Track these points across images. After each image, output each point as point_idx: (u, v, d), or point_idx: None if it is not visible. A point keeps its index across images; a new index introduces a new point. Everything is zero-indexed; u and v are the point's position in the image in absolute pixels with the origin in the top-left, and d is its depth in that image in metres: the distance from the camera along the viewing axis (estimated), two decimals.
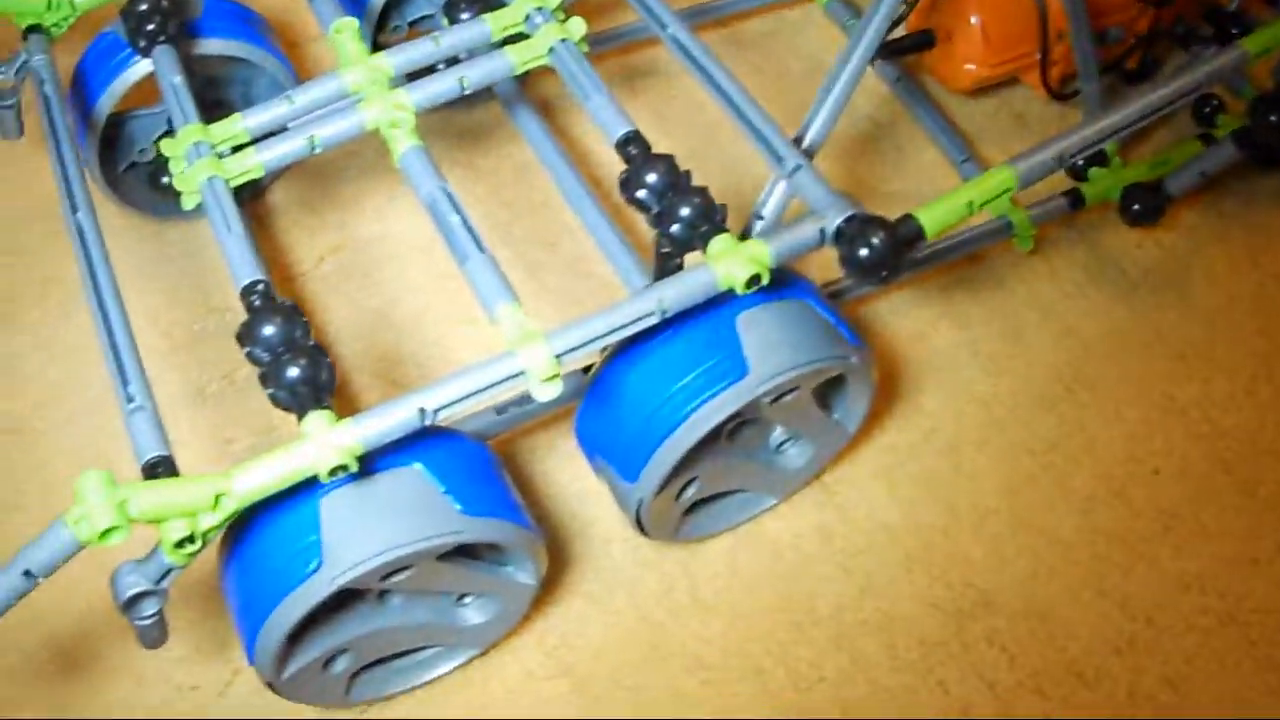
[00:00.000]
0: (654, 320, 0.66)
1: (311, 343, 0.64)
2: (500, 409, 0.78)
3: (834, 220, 0.69)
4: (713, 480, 0.77)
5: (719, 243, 0.67)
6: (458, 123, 1.01)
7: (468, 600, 0.73)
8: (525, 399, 0.77)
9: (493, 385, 0.63)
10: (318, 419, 0.61)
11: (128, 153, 0.88)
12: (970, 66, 0.97)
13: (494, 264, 0.67)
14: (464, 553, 0.70)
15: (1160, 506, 0.84)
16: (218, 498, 0.58)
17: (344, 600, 0.68)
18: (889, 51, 0.96)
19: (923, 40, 0.95)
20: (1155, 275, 0.95)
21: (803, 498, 0.83)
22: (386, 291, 0.92)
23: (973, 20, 0.94)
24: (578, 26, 0.75)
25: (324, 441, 0.60)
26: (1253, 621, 0.79)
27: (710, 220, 0.68)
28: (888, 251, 0.69)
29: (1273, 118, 0.86)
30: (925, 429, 0.87)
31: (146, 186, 0.89)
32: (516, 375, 0.63)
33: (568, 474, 0.84)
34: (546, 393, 0.63)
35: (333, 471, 0.60)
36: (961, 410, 0.88)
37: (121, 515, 0.56)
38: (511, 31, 0.75)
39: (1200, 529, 0.83)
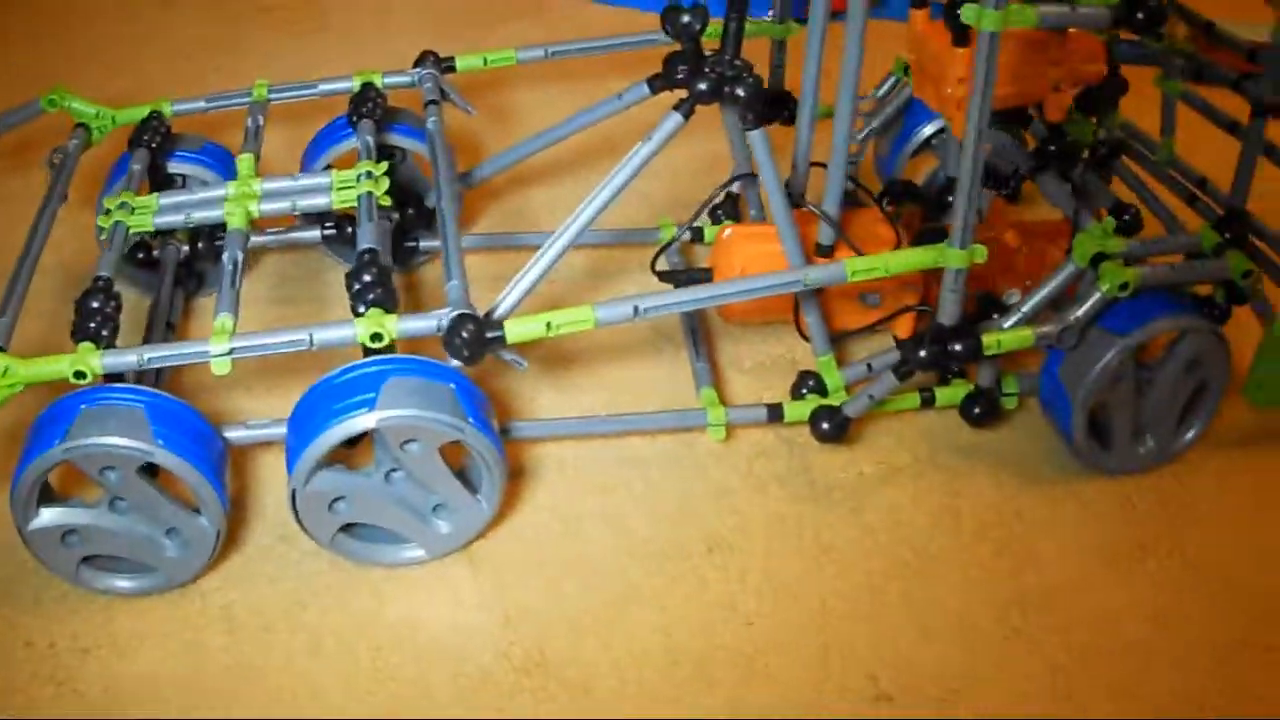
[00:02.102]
0: (304, 347, 0.98)
1: None
2: None
3: (447, 316, 0.98)
4: (364, 509, 1.03)
5: (371, 313, 0.99)
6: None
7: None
8: None
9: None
10: None
11: None
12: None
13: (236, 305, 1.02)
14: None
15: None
16: None
17: None
18: (674, 281, 1.21)
19: (699, 276, 1.21)
20: (838, 491, 1.12)
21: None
22: None
23: (737, 271, 1.19)
24: (383, 185, 1.11)
25: None
26: None
27: (372, 294, 1.00)
28: (473, 342, 0.97)
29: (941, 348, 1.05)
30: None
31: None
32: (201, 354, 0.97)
33: None
34: (218, 369, 0.97)
35: None
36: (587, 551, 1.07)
37: None
38: (344, 183, 1.13)
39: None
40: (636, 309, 0.99)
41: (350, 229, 1.27)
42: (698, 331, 1.22)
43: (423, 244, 1.29)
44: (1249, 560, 1.09)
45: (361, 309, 0.99)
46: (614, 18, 1.91)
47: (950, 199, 1.29)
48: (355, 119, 1.19)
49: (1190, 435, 1.16)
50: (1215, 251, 1.12)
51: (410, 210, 1.25)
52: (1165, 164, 1.30)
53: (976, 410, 1.14)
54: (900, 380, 1.07)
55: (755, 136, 1.05)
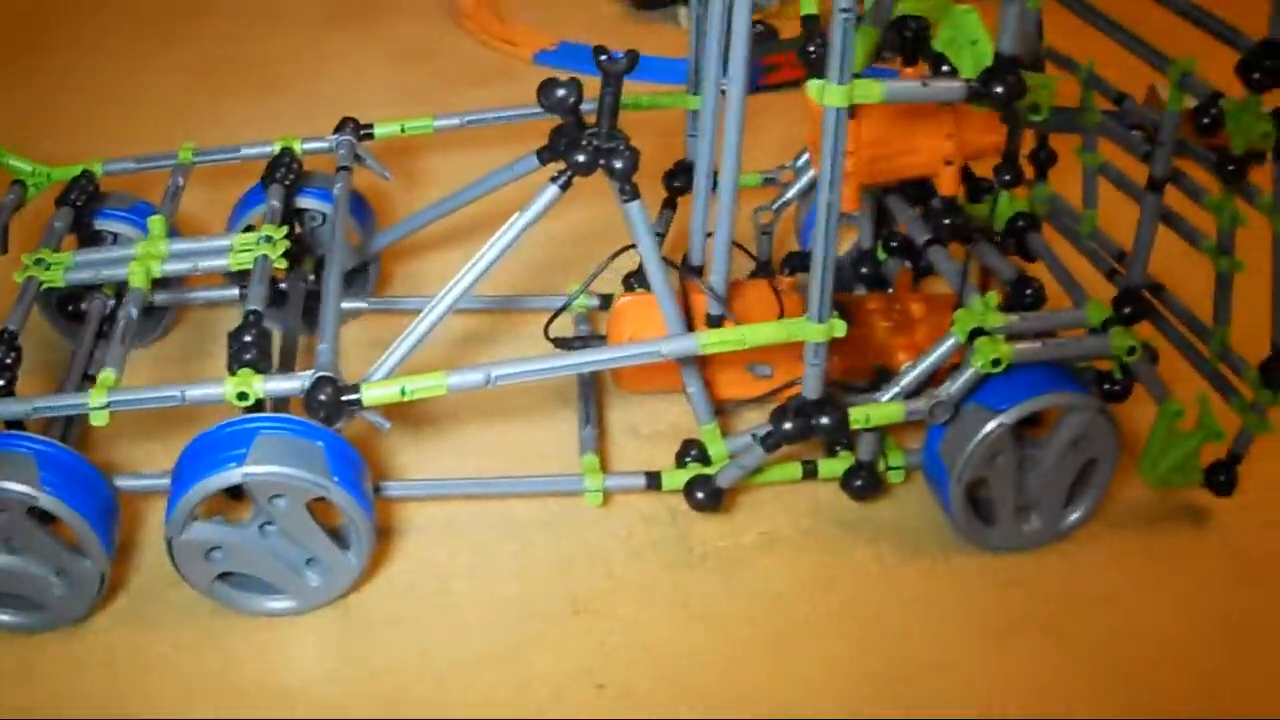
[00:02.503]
0: (177, 403, 1.02)
1: None
2: None
3: (309, 379, 1.02)
4: (240, 560, 1.06)
5: (242, 373, 1.02)
6: None
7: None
8: None
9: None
10: None
11: None
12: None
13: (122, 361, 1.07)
14: None
15: None
16: None
17: None
18: (566, 347, 1.23)
19: (590, 344, 1.23)
20: (714, 559, 1.13)
21: None
22: None
23: (626, 338, 1.19)
24: (279, 249, 1.15)
25: None
26: None
27: (248, 354, 1.03)
28: (330, 404, 1.00)
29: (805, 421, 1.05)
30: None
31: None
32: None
33: None
34: (96, 421, 1.01)
35: None
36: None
37: None
38: (244, 246, 1.17)
39: None
40: (489, 377, 1.01)
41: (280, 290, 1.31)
42: (589, 399, 1.23)
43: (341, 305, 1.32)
44: (1129, 644, 1.07)
45: (234, 368, 1.03)
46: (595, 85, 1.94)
47: (864, 269, 1.31)
48: (267, 183, 1.23)
49: (1075, 516, 1.15)
50: (1102, 327, 1.11)
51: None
52: (1088, 237, 1.30)
53: (857, 483, 1.14)
54: (768, 451, 1.07)
55: (632, 208, 1.07)
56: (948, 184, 1.15)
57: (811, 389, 1.04)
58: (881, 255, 1.31)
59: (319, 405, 1.01)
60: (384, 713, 1.00)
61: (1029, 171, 1.36)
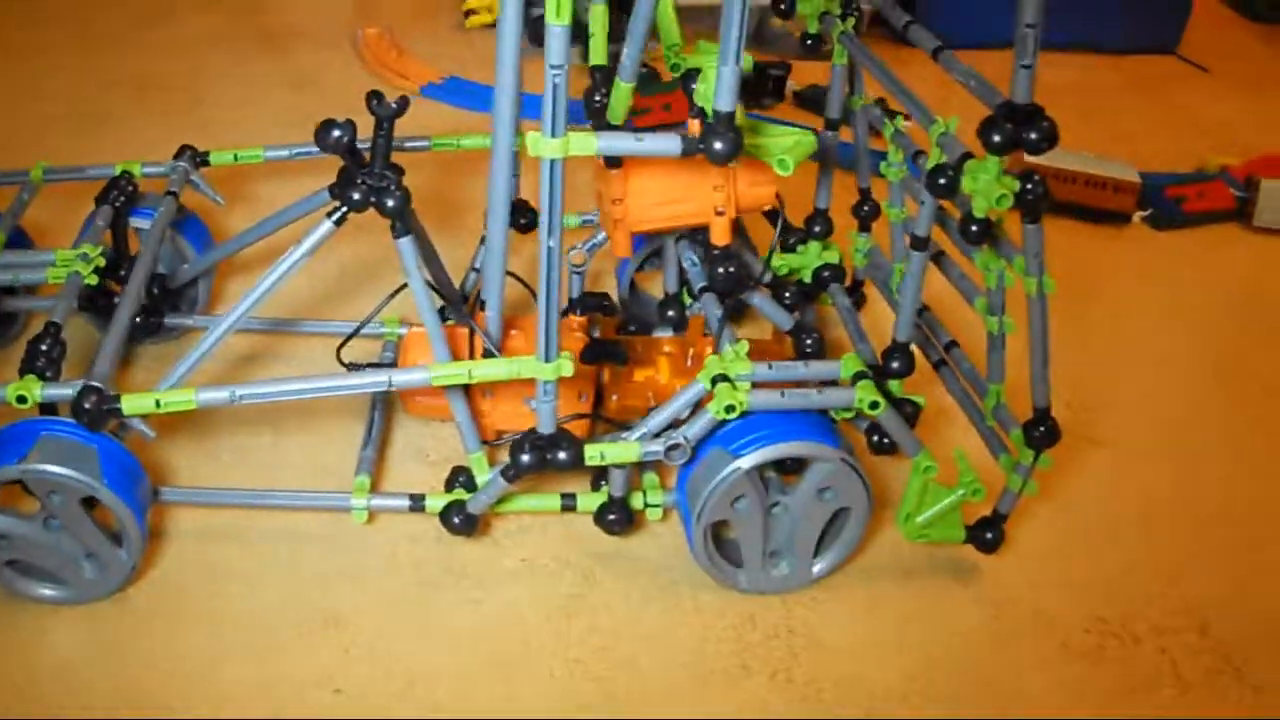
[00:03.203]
0: None
1: None
2: None
3: (78, 387, 1.09)
4: (25, 550, 1.13)
5: (26, 378, 1.10)
6: None
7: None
8: None
9: None
10: None
11: None
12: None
13: None
14: None
15: None
16: None
17: None
18: (354, 368, 1.28)
19: (384, 367, 1.28)
20: (469, 581, 1.18)
21: None
22: None
23: None
24: (92, 265, 1.23)
25: None
26: None
27: (38, 361, 1.11)
28: (94, 411, 1.08)
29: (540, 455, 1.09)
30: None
31: None
32: None
33: None
34: None
35: None
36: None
37: None
38: (64, 261, 1.24)
39: None
40: (233, 395, 1.08)
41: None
42: (375, 422, 1.30)
43: (168, 321, 1.40)
44: (860, 694, 1.11)
45: (22, 373, 1.11)
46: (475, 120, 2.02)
47: (670, 312, 1.36)
48: (99, 204, 1.32)
49: (823, 565, 1.18)
50: (852, 381, 1.14)
51: (156, 290, 1.37)
52: (896, 290, 1.33)
53: (610, 518, 1.18)
54: (508, 482, 1.12)
55: (402, 244, 1.13)
56: (719, 234, 1.19)
57: (544, 424, 1.09)
58: (687, 299, 1.36)
59: (84, 412, 1.09)
60: (121, 702, 1.07)
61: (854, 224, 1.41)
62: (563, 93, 0.96)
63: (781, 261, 1.39)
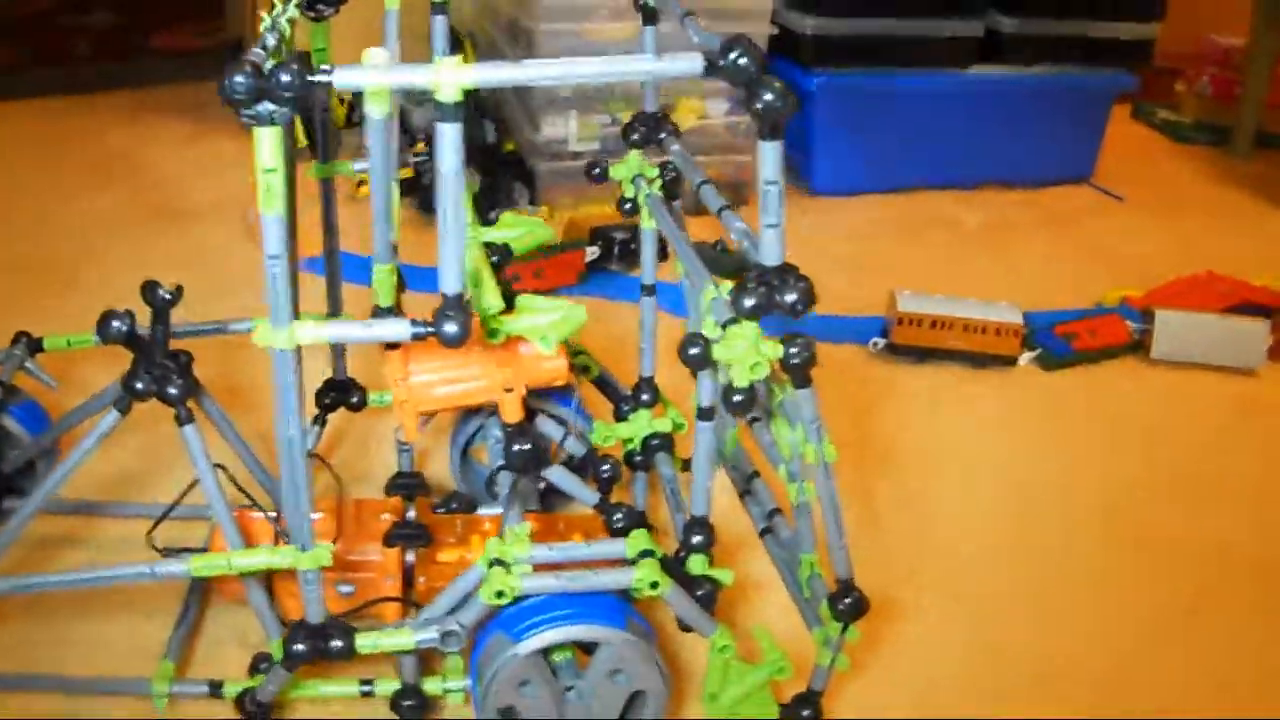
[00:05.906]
0: None
1: None
2: None
3: None
4: None
5: None
6: None
7: None
8: None
9: None
10: None
11: None
12: None
13: None
14: None
15: None
16: None
17: None
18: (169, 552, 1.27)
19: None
20: None
21: None
22: None
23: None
24: None
25: None
26: None
27: None
28: None
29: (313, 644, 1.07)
30: None
31: None
32: None
33: None
34: None
35: None
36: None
37: None
38: None
39: None
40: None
41: None
42: (192, 605, 1.28)
43: (4, 505, 1.41)
44: None
45: None
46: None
47: (496, 487, 1.34)
48: None
49: None
50: (635, 560, 1.11)
51: None
52: (730, 458, 1.30)
53: (406, 704, 1.15)
54: (288, 671, 1.10)
55: (186, 432, 1.12)
56: (509, 411, 1.17)
57: (311, 613, 1.07)
58: None
59: None
60: None
61: None
62: (283, 282, 0.96)
63: (609, 432, 1.37)
